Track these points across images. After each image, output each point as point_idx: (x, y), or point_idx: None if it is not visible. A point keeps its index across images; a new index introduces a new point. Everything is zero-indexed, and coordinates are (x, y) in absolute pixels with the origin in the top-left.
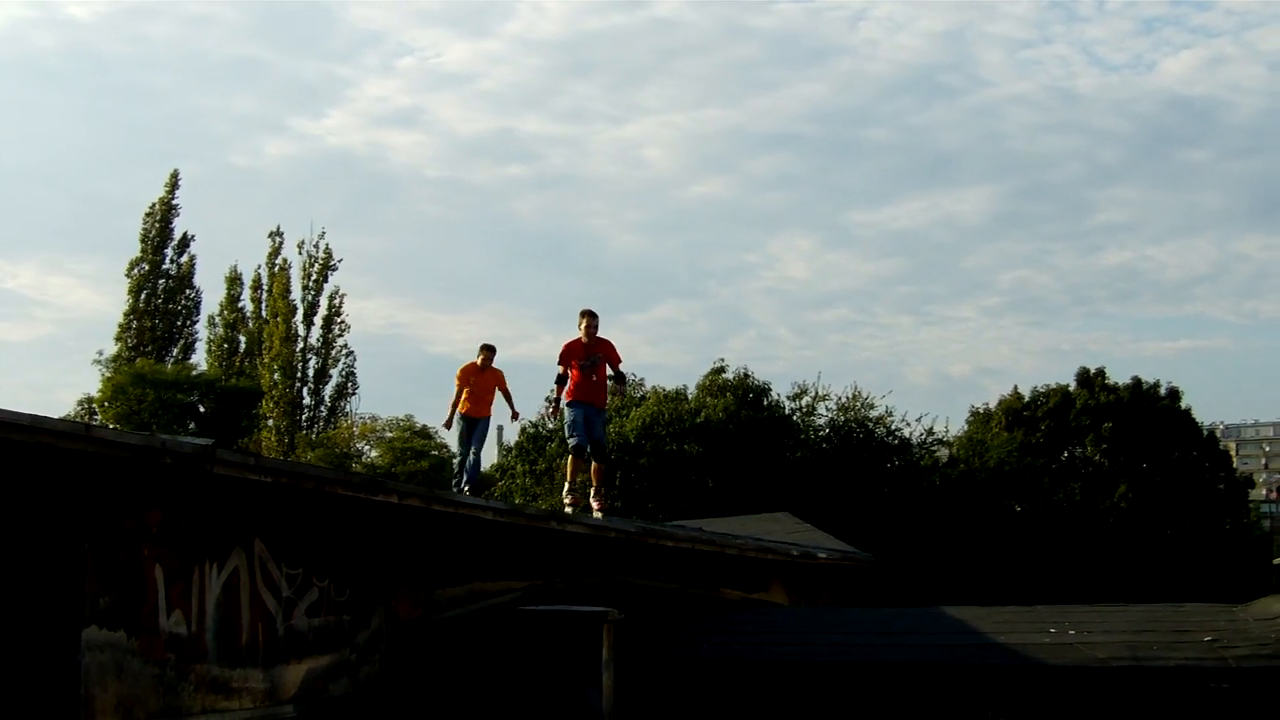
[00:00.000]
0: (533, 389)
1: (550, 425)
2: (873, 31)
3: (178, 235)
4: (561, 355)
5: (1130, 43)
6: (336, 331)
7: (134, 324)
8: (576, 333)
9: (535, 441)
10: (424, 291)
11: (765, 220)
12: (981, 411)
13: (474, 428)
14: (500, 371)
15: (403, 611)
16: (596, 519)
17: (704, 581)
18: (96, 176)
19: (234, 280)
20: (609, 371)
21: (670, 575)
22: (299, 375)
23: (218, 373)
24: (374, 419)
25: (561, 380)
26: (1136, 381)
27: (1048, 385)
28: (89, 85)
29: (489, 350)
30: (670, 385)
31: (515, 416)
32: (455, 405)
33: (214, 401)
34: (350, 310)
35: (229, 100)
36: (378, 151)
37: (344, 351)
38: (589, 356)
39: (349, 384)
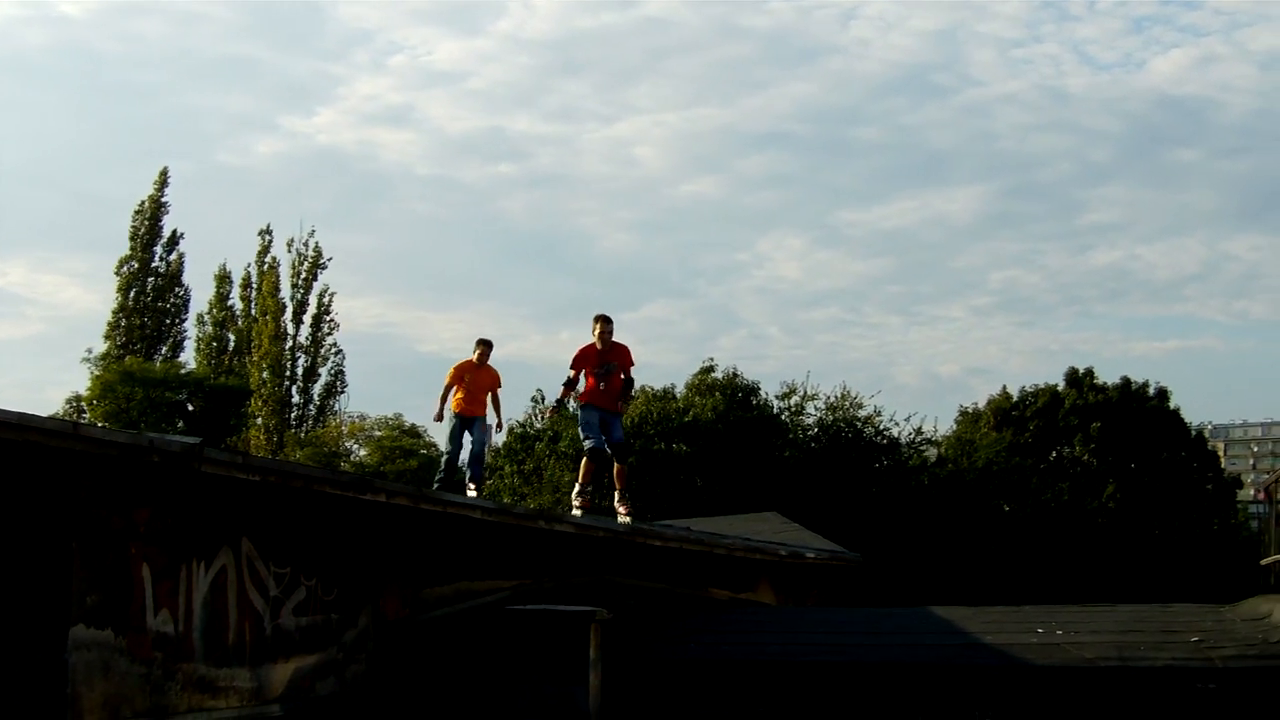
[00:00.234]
0: (522, 387)
1: (539, 425)
2: (864, 30)
3: (167, 233)
4: (575, 360)
5: (1120, 42)
6: (326, 330)
7: (123, 322)
8: (561, 334)
9: (523, 441)
10: (414, 290)
11: (756, 219)
12: (970, 411)
13: (467, 426)
14: (497, 372)
15: (390, 611)
16: (610, 520)
17: (692, 581)
18: (87, 174)
19: (223, 278)
20: (622, 378)
21: (658, 575)
22: (288, 374)
23: (206, 371)
24: (363, 418)
25: (570, 384)
26: (1125, 381)
27: (1036, 385)
28: (80, 83)
29: (486, 345)
30: (659, 385)
31: (499, 427)
32: (444, 399)
33: (203, 400)
34: (339, 309)
35: (220, 98)
36: (368, 150)
37: (333, 350)
38: (603, 364)
39: (338, 382)
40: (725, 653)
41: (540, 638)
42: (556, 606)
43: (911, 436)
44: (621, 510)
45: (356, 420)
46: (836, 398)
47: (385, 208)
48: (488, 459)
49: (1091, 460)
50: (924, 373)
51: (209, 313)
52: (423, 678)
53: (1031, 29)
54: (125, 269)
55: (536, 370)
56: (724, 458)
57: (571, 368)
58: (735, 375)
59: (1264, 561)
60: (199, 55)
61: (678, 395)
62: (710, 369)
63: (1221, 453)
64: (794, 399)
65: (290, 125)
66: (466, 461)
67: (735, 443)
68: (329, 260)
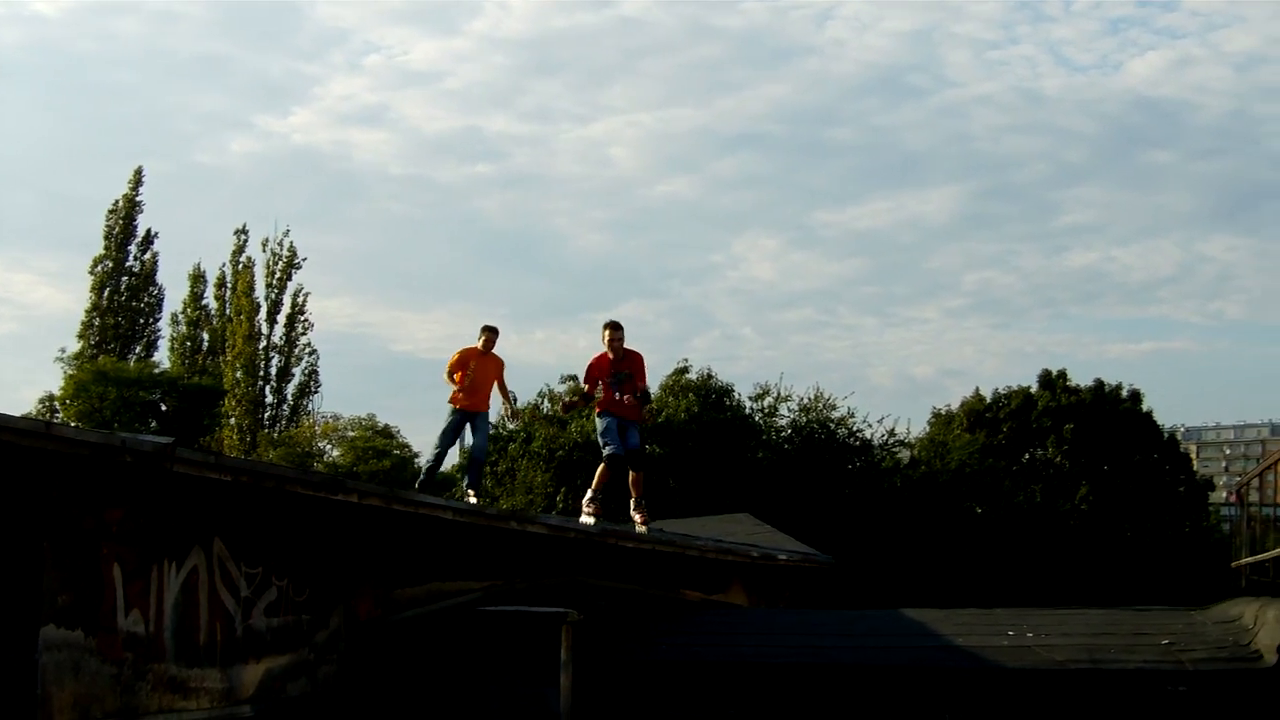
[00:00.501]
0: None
1: (510, 426)
2: (839, 31)
3: (141, 232)
4: (588, 372)
5: (1096, 43)
6: (300, 330)
7: (96, 321)
8: (536, 334)
9: (496, 443)
10: (388, 290)
11: (730, 220)
12: (943, 413)
13: (469, 422)
14: (502, 360)
15: (362, 611)
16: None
17: (664, 582)
18: (61, 173)
19: (197, 278)
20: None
21: (630, 576)
22: (261, 374)
23: (180, 371)
24: (336, 418)
25: (586, 398)
26: (1098, 383)
27: (1009, 387)
28: (54, 82)
29: (492, 332)
30: None
31: (515, 415)
32: (460, 383)
33: (176, 400)
34: (314, 308)
35: (195, 98)
36: (343, 149)
37: (307, 350)
38: (615, 374)
39: (312, 383)
40: (697, 654)
41: (512, 639)
42: (528, 608)
43: (884, 438)
44: (638, 519)
45: (330, 420)
46: (810, 399)
47: (360, 207)
48: (460, 459)
49: (1064, 462)
50: (898, 374)
51: (183, 312)
52: (394, 679)
53: (1007, 30)
54: (99, 268)
55: (512, 370)
56: (697, 459)
57: (585, 381)
58: (709, 376)
59: (1235, 564)
60: (174, 54)
61: (652, 396)
62: (684, 370)
63: (1194, 455)
64: (767, 400)
65: (265, 125)
66: (464, 465)
67: (708, 444)
68: (303, 260)
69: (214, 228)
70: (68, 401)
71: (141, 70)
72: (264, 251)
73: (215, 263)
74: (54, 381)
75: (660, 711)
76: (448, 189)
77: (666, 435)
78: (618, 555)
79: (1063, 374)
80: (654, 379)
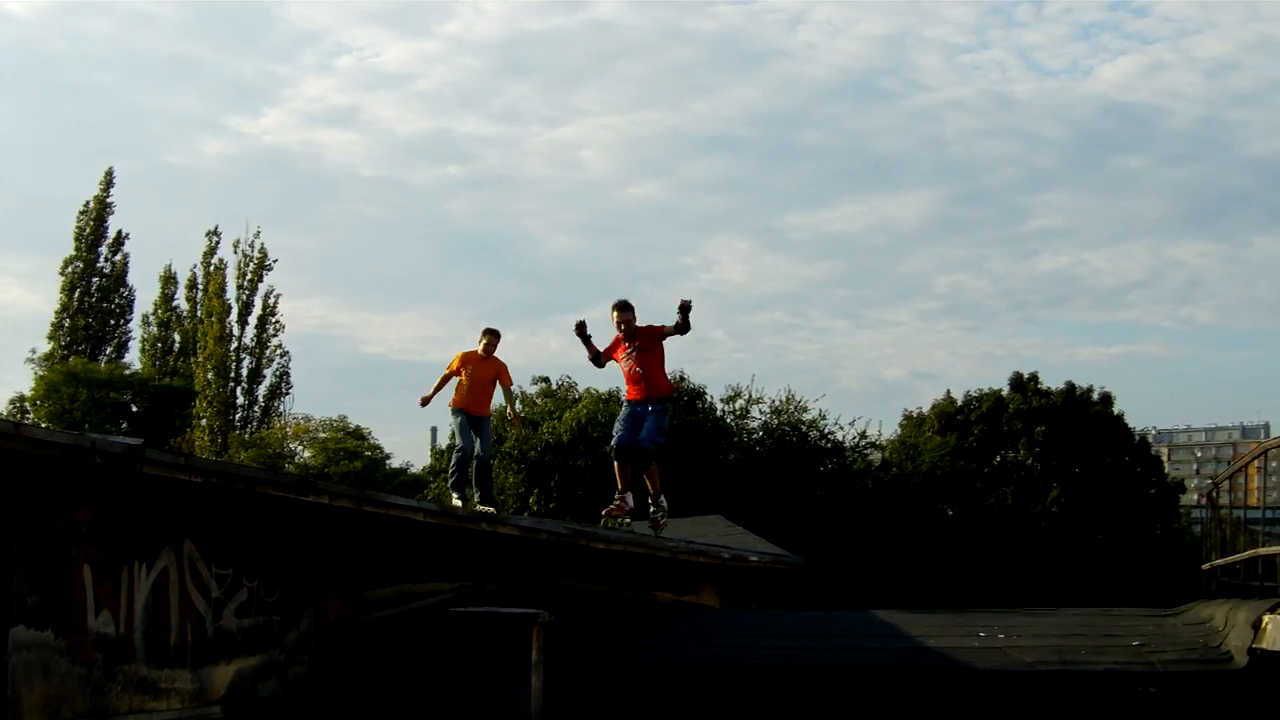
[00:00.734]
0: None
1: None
2: (811, 35)
3: (112, 233)
4: (603, 356)
5: (1068, 48)
6: (271, 331)
7: (67, 322)
8: (507, 336)
9: None
10: (359, 291)
11: (702, 223)
12: (914, 415)
13: (475, 425)
14: (503, 363)
15: (332, 612)
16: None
17: (635, 584)
18: (32, 174)
19: (168, 279)
20: (666, 341)
21: (602, 577)
22: (233, 375)
23: (151, 372)
24: (307, 419)
25: (596, 359)
26: (1069, 386)
27: (981, 389)
28: (26, 82)
29: (493, 335)
30: (605, 388)
31: (515, 421)
32: (439, 385)
33: (147, 401)
34: (285, 310)
35: (167, 98)
36: (313, 151)
37: (278, 351)
38: (632, 347)
39: (283, 384)
40: (667, 655)
41: (482, 640)
42: (498, 609)
43: (856, 440)
44: (656, 519)
45: (301, 422)
46: (781, 401)
47: (331, 209)
48: (430, 461)
49: (1035, 464)
50: (869, 376)
51: (154, 313)
52: (365, 679)
53: (979, 35)
54: (70, 269)
55: None
56: (669, 461)
57: (600, 364)
58: (681, 379)
59: (1206, 566)
60: (146, 55)
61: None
62: None
63: (1165, 458)
64: (739, 402)
65: (237, 126)
66: (444, 469)
67: (680, 446)
68: (274, 262)
69: (185, 229)
70: (38, 402)
71: (113, 71)
72: (235, 253)
73: (186, 264)
74: (24, 382)
75: (631, 713)
76: (418, 190)
77: None
78: (589, 556)
79: (1034, 377)
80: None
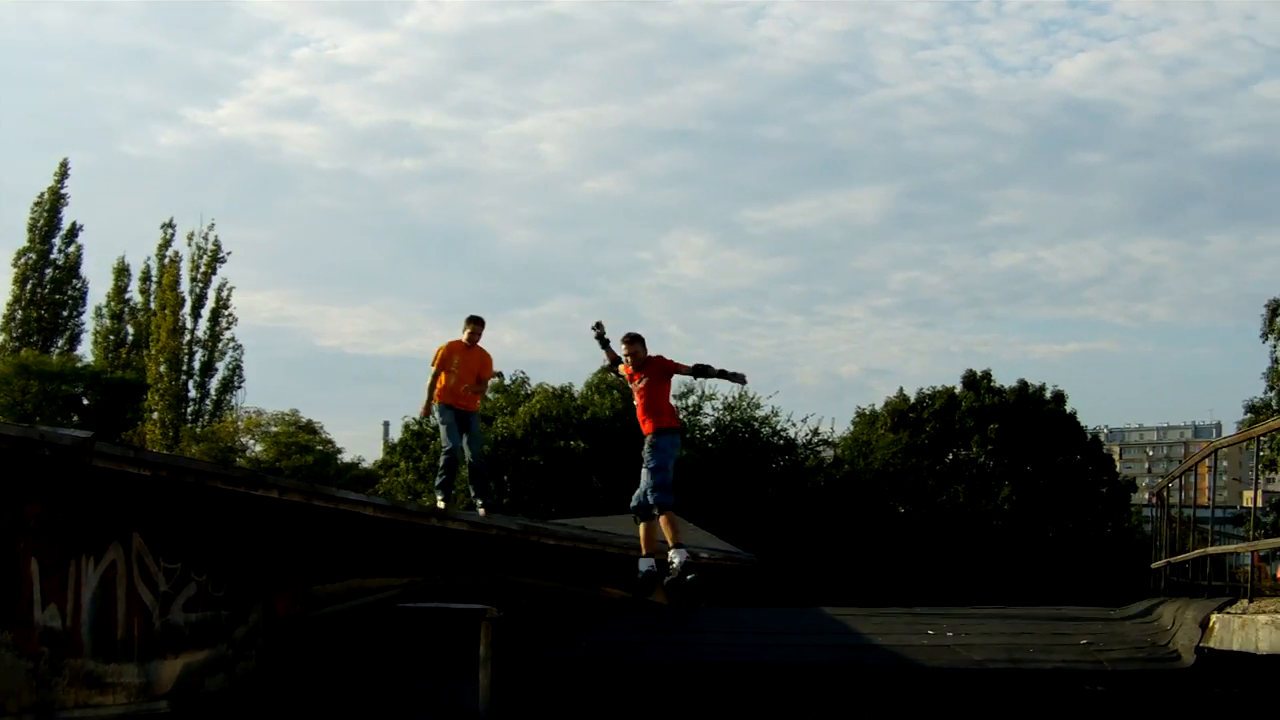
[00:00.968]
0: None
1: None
2: (771, 30)
3: (66, 225)
4: (619, 369)
5: (1027, 45)
6: (224, 324)
7: (19, 314)
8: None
9: (419, 439)
10: (314, 284)
11: (659, 217)
12: (867, 412)
13: (463, 423)
14: (488, 354)
15: (281, 607)
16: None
17: (585, 580)
18: None
19: (121, 271)
20: (673, 386)
21: (552, 573)
22: (185, 368)
23: (103, 365)
24: (259, 413)
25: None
26: (1022, 384)
27: (934, 387)
28: None
29: (478, 324)
30: (558, 382)
31: (472, 391)
32: (432, 390)
33: (99, 394)
34: (239, 303)
35: (123, 89)
36: (271, 143)
37: (231, 344)
38: (643, 379)
39: (235, 377)
40: (615, 652)
41: (431, 635)
42: (447, 604)
43: (808, 437)
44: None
45: (253, 415)
46: (734, 398)
47: (288, 201)
48: (382, 455)
49: (988, 462)
50: (824, 373)
51: (107, 306)
52: (313, 675)
53: (938, 31)
54: (23, 260)
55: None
56: (621, 457)
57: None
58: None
59: (1154, 565)
60: (102, 45)
61: (577, 393)
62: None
63: (1117, 456)
64: (691, 399)
65: (193, 117)
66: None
67: (632, 442)
68: (228, 254)
69: (139, 220)
70: None
71: (68, 60)
72: (189, 245)
73: (140, 256)
74: None
75: (578, 709)
76: (375, 183)
77: (591, 432)
78: (539, 552)
79: (987, 374)
80: (577, 376)
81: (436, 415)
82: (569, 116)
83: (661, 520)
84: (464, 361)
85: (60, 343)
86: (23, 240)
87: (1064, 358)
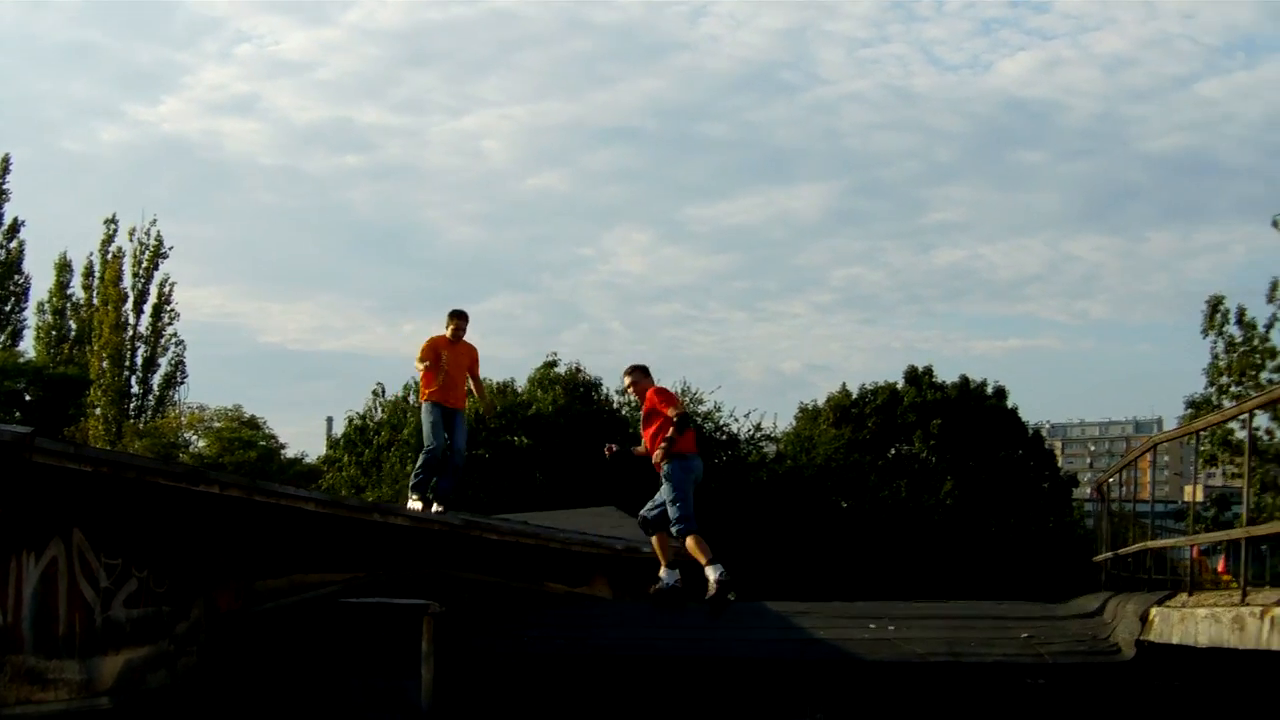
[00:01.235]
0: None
1: (379, 416)
2: (713, 27)
3: (8, 220)
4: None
5: (968, 43)
6: (166, 320)
7: None
8: (404, 327)
9: (362, 434)
10: (256, 280)
11: (602, 214)
12: (810, 408)
13: (449, 422)
14: (474, 349)
15: (223, 603)
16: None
17: (528, 575)
18: None
19: (63, 267)
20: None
21: (494, 569)
22: (127, 364)
23: (45, 360)
24: (202, 408)
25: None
26: (964, 380)
27: (876, 383)
28: None
29: (461, 318)
30: (500, 378)
31: (490, 410)
32: (432, 380)
33: (41, 389)
34: (181, 299)
35: (64, 84)
36: (213, 139)
37: (173, 340)
38: (647, 416)
39: (178, 373)
40: (558, 647)
41: (373, 631)
42: (389, 600)
43: (751, 433)
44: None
45: (195, 411)
46: (677, 393)
47: (229, 197)
48: (326, 451)
49: (930, 457)
50: (767, 369)
51: (49, 301)
52: (255, 670)
53: (879, 29)
54: None
55: (379, 362)
56: (564, 452)
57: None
58: (578, 370)
59: (1095, 559)
60: (42, 40)
61: (520, 389)
62: (553, 363)
63: (1059, 451)
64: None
65: (135, 113)
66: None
67: (575, 437)
68: (170, 250)
69: (82, 216)
70: None
71: (8, 56)
72: (131, 241)
73: (82, 252)
74: None
75: (522, 704)
76: (318, 180)
77: (535, 427)
78: (482, 547)
79: (929, 370)
80: (520, 372)
81: (424, 413)
82: (512, 113)
83: (689, 544)
84: (452, 357)
85: (2, 338)
86: None
87: (1005, 354)
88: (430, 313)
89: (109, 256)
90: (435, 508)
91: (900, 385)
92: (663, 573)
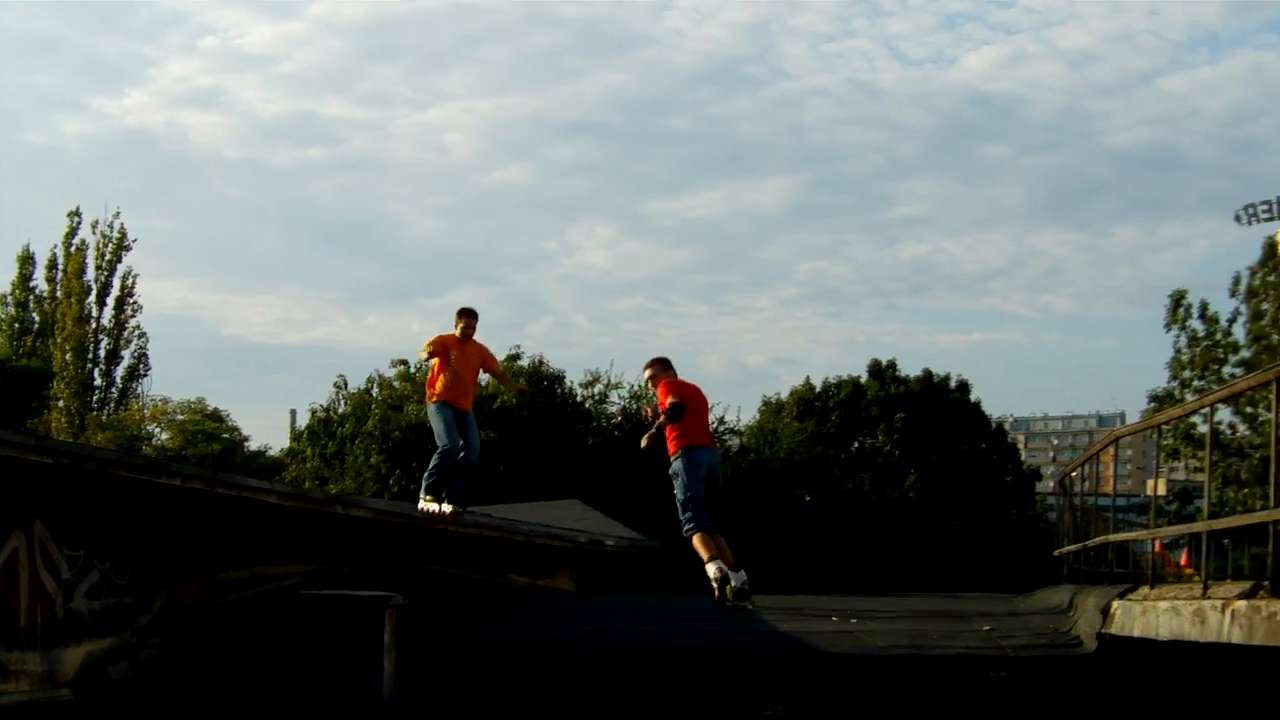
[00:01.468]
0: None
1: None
2: (677, 21)
3: None
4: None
5: (932, 38)
6: (129, 312)
7: None
8: (368, 319)
9: (326, 426)
10: (220, 272)
11: (565, 207)
12: (773, 401)
13: (461, 422)
14: (485, 347)
15: (185, 594)
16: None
17: (491, 568)
18: None
19: (26, 259)
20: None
21: (457, 561)
22: (90, 356)
23: (8, 352)
24: (165, 401)
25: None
26: (927, 373)
27: (839, 376)
28: None
29: (470, 316)
30: None
31: (524, 391)
32: (440, 375)
33: (3, 381)
34: (144, 291)
35: (27, 76)
36: (176, 131)
37: (136, 332)
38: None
39: (141, 365)
40: (520, 639)
41: (335, 623)
42: (352, 592)
43: (715, 426)
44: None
45: (159, 404)
46: (641, 386)
47: (193, 190)
48: (289, 443)
49: (893, 451)
50: (730, 362)
51: (11, 294)
52: (217, 662)
53: (844, 23)
54: None
55: (341, 354)
56: (528, 445)
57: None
58: (541, 363)
59: (1057, 552)
60: (6, 33)
61: (484, 382)
62: (516, 356)
63: (1022, 445)
64: (598, 387)
65: (99, 106)
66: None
67: (539, 430)
68: (133, 242)
69: (45, 209)
70: None
71: None
72: (94, 233)
73: (45, 244)
74: None
75: (483, 696)
76: (281, 172)
77: (498, 421)
78: (445, 540)
79: (892, 364)
80: None
81: (433, 413)
82: (476, 107)
83: (694, 542)
84: (461, 357)
85: None
86: None
87: (969, 348)
88: (393, 306)
89: (72, 249)
90: (449, 508)
91: (864, 379)
92: (723, 573)
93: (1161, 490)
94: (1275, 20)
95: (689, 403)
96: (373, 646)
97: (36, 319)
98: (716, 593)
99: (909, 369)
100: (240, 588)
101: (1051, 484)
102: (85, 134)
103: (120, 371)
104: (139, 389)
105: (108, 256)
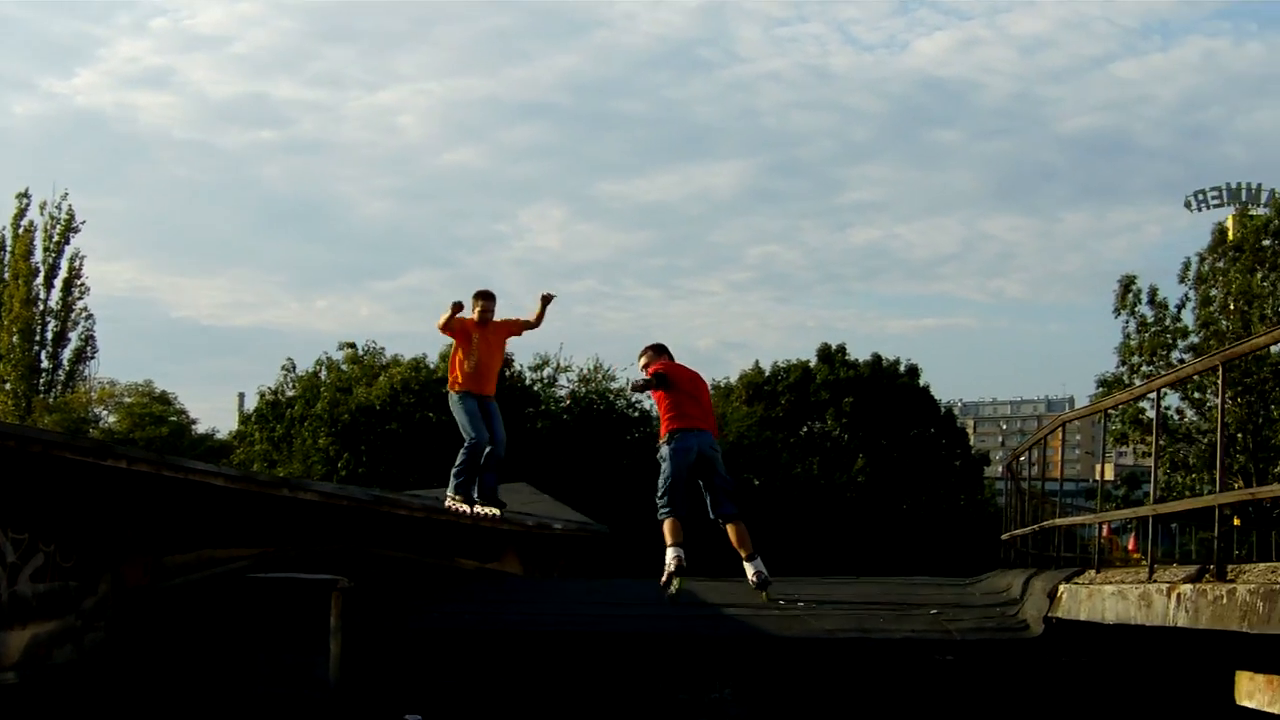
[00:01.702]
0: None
1: (290, 391)
2: (631, 4)
3: None
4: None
5: (885, 23)
6: (76, 294)
7: None
8: (318, 302)
9: (275, 409)
10: (169, 255)
11: (517, 190)
12: (722, 385)
13: (485, 411)
14: (507, 322)
15: (131, 578)
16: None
17: (439, 551)
18: None
19: None
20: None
21: (405, 544)
22: (37, 339)
23: None
24: (113, 384)
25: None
26: (876, 358)
27: (789, 360)
28: None
29: (488, 299)
30: (410, 354)
31: (549, 297)
32: (461, 362)
33: None
34: (93, 273)
35: None
36: (127, 112)
37: (83, 315)
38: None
39: (88, 348)
40: (468, 622)
41: (282, 606)
42: (298, 575)
43: None
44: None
45: (106, 386)
46: (589, 370)
47: (143, 171)
48: (238, 425)
49: (842, 435)
50: (681, 346)
51: None
52: (162, 646)
53: (797, 8)
54: None
55: (291, 337)
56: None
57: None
58: None
59: (1005, 536)
60: None
61: (432, 364)
62: None
63: (971, 430)
64: (547, 370)
65: (48, 86)
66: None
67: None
68: (82, 224)
69: None
70: None
71: None
72: (42, 215)
73: None
74: None
75: (430, 679)
76: (231, 154)
77: (445, 406)
78: (393, 523)
79: (842, 348)
80: (433, 348)
81: (455, 404)
82: (428, 89)
83: (664, 527)
84: (483, 343)
85: None
86: None
87: (920, 333)
88: (343, 288)
89: (20, 231)
90: (482, 510)
91: (813, 363)
92: (678, 564)
93: (1110, 475)
94: (1227, 8)
95: (682, 384)
96: (319, 630)
97: None
98: (664, 578)
99: (859, 354)
100: (186, 571)
101: (1000, 468)
102: (35, 114)
103: (67, 354)
104: (86, 372)
105: (55, 238)
